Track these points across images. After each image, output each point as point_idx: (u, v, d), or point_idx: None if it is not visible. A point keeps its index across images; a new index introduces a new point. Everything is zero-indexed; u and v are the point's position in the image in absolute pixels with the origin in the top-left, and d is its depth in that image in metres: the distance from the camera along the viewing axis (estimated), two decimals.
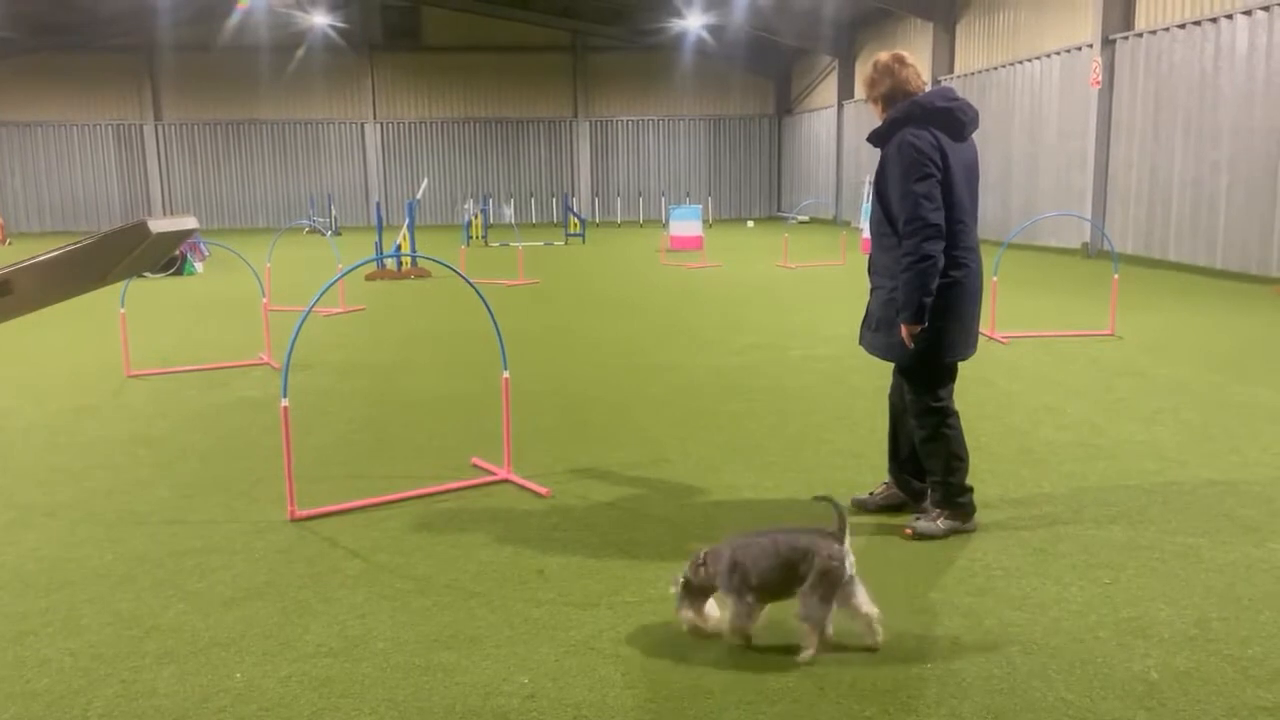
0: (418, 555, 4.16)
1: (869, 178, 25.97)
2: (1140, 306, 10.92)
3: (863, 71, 4.35)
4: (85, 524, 4.61)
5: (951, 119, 4.16)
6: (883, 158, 4.25)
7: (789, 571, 3.20)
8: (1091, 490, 4.87)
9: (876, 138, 4.27)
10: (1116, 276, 9.56)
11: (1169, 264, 15.18)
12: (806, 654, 3.19)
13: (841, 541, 3.20)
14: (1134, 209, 16.23)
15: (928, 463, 4.35)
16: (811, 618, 3.17)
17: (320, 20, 29.19)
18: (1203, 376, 7.46)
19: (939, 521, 4.28)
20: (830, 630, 3.21)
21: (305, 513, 4.62)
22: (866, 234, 18.93)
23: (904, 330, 4.13)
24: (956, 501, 4.30)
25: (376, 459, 5.64)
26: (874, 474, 5.16)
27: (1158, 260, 15.47)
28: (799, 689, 3.04)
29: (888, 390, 4.62)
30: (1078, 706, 2.92)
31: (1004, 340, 8.99)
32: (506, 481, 5.11)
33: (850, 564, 3.20)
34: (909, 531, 4.28)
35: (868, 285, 4.51)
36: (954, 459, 4.30)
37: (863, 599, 3.23)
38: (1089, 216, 16.54)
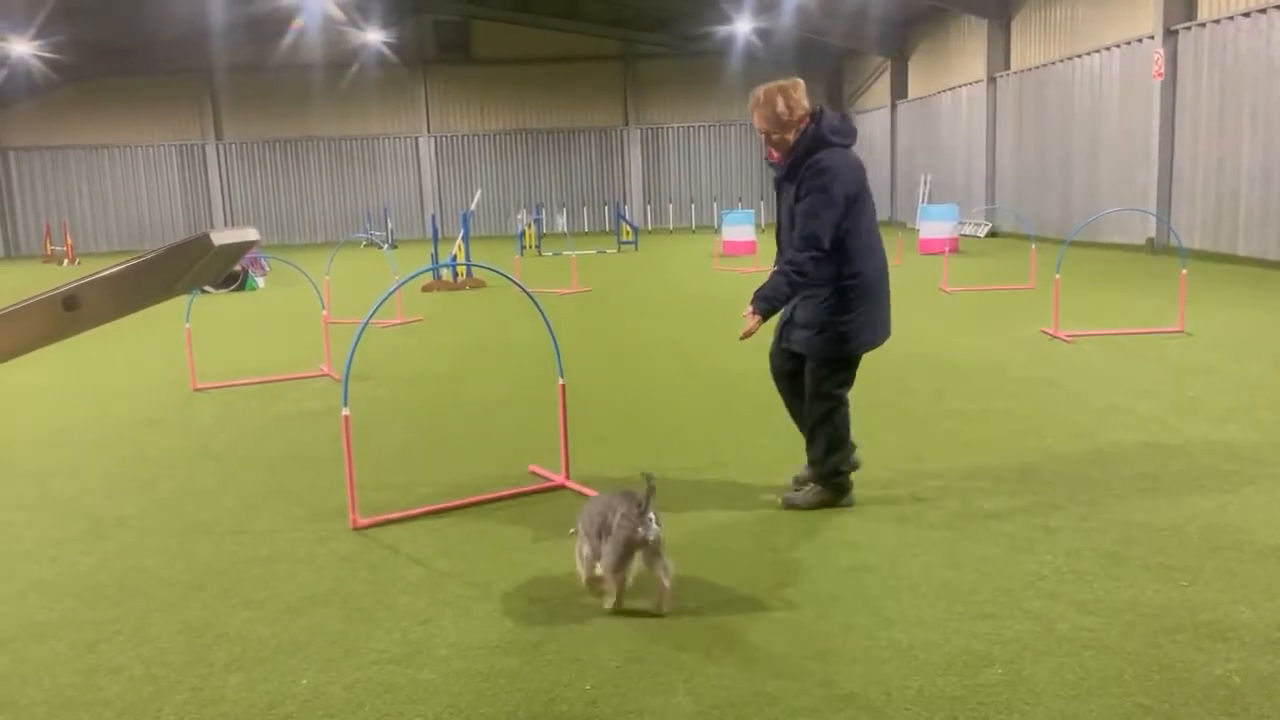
0: (478, 562, 4.17)
1: (925, 177, 25.70)
2: (1209, 302, 10.62)
3: (765, 106, 4.47)
4: (154, 534, 4.70)
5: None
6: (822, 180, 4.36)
7: (602, 521, 3.60)
8: (1164, 491, 4.73)
9: (798, 160, 4.41)
10: (1184, 271, 9.30)
11: (1238, 258, 14.75)
12: (607, 603, 3.59)
13: (642, 508, 3.49)
14: (1200, 203, 15.81)
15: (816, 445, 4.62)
16: (604, 565, 3.57)
17: (373, 37, 29.63)
18: (1277, 373, 7.22)
19: (809, 495, 4.62)
20: (629, 581, 3.56)
21: (367, 521, 4.66)
22: (924, 234, 18.76)
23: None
24: (833, 481, 4.61)
25: (436, 467, 5.68)
26: (933, 472, 5.08)
27: (1226, 255, 15.04)
28: (865, 695, 2.98)
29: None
30: (1156, 712, 2.83)
31: (1068, 339, 8.79)
32: (564, 488, 5.11)
33: (648, 530, 3.49)
34: (782, 501, 4.64)
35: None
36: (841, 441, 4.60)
37: (660, 568, 3.55)
38: (1153, 211, 16.15)
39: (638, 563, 3.57)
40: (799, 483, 4.87)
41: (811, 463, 4.70)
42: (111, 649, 3.50)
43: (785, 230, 4.58)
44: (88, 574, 4.23)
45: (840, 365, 4.53)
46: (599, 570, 3.65)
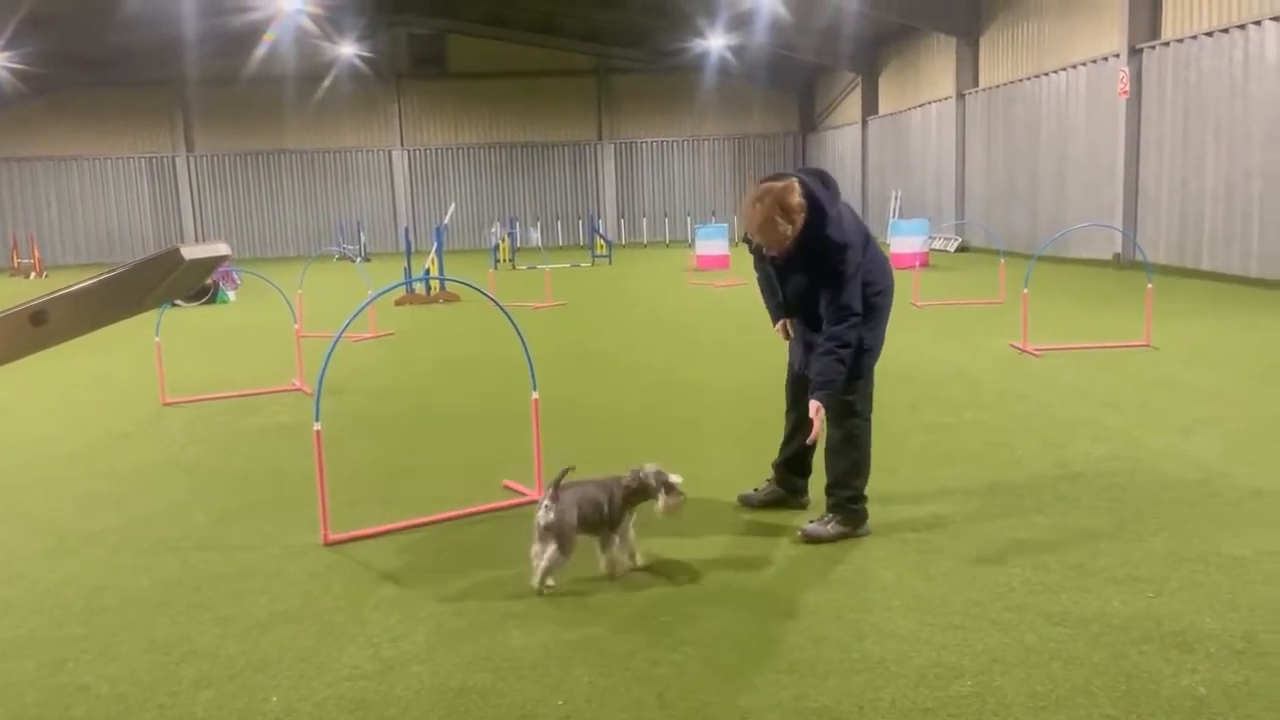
0: (451, 577, 4.16)
1: (896, 193, 25.93)
2: (1175, 316, 10.78)
3: (765, 227, 4.18)
4: (122, 550, 4.65)
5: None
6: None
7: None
8: (1132, 502, 4.79)
9: (806, 246, 4.26)
10: (1150, 286, 9.44)
11: (1203, 273, 14.98)
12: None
13: (543, 498, 3.93)
14: (1165, 219, 16.05)
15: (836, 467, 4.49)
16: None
17: (347, 50, 29.56)
18: (1241, 385, 7.34)
19: (829, 526, 4.42)
20: (537, 564, 3.90)
21: (339, 536, 4.63)
22: (895, 249, 18.91)
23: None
24: (851, 509, 4.44)
25: (409, 482, 5.66)
26: (906, 485, 5.12)
27: (1191, 270, 15.27)
28: (838, 708, 3.00)
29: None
30: None
31: (1036, 353, 8.89)
32: (538, 503, 5.09)
33: (541, 515, 3.89)
34: (800, 534, 4.44)
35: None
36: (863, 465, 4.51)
37: (543, 549, 3.89)
38: (1119, 227, 16.38)
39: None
40: (762, 496, 4.93)
41: (829, 489, 4.50)
42: (78, 667, 3.46)
43: (803, 303, 4.47)
44: (54, 591, 4.17)
45: (866, 379, 4.47)
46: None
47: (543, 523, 3.89)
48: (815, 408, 4.23)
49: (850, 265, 4.23)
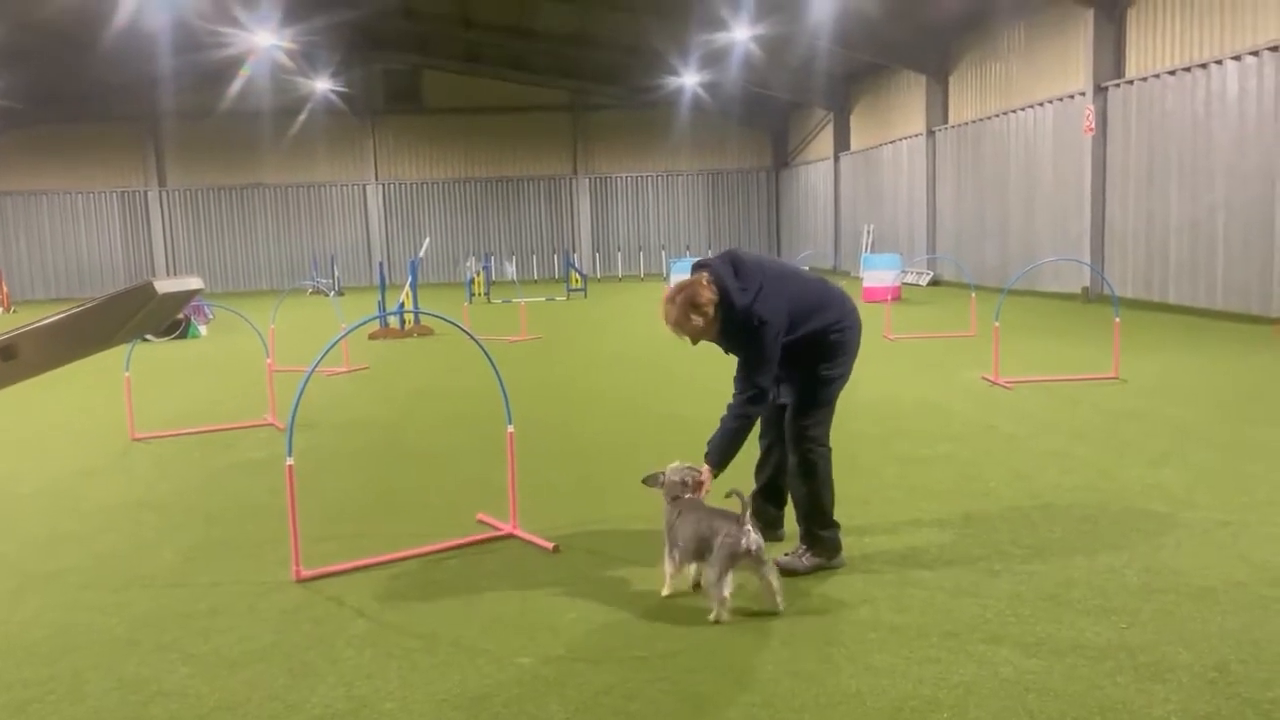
0: (424, 613, 4.12)
1: (868, 227, 26.20)
2: (1143, 349, 10.92)
3: (679, 325, 4.38)
4: (90, 588, 4.58)
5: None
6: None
7: (701, 544, 3.95)
8: (1103, 534, 4.83)
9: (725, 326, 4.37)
10: (1118, 320, 9.57)
11: (1169, 306, 15.20)
12: (711, 615, 3.89)
13: (741, 524, 3.86)
14: (1132, 253, 16.31)
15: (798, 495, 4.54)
16: (709, 582, 3.93)
17: (322, 85, 29.61)
18: (1208, 417, 7.44)
19: (804, 558, 4.45)
20: (726, 594, 3.85)
21: (311, 573, 4.58)
22: (867, 283, 19.10)
23: None
24: (823, 536, 4.47)
25: (382, 517, 5.61)
26: (880, 517, 5.13)
27: (1158, 303, 15.50)
28: None
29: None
30: None
31: (1007, 385, 8.97)
32: (512, 537, 5.08)
33: (750, 540, 3.84)
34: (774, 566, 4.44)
35: None
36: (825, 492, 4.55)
37: (767, 572, 3.94)
38: (1088, 261, 16.62)
39: (737, 575, 3.91)
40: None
41: (799, 520, 4.53)
42: (44, 709, 3.39)
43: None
44: (19, 631, 4.09)
45: (828, 409, 4.51)
46: (703, 583, 4.07)
47: (754, 548, 3.86)
48: (706, 472, 4.33)
49: (766, 340, 4.27)
